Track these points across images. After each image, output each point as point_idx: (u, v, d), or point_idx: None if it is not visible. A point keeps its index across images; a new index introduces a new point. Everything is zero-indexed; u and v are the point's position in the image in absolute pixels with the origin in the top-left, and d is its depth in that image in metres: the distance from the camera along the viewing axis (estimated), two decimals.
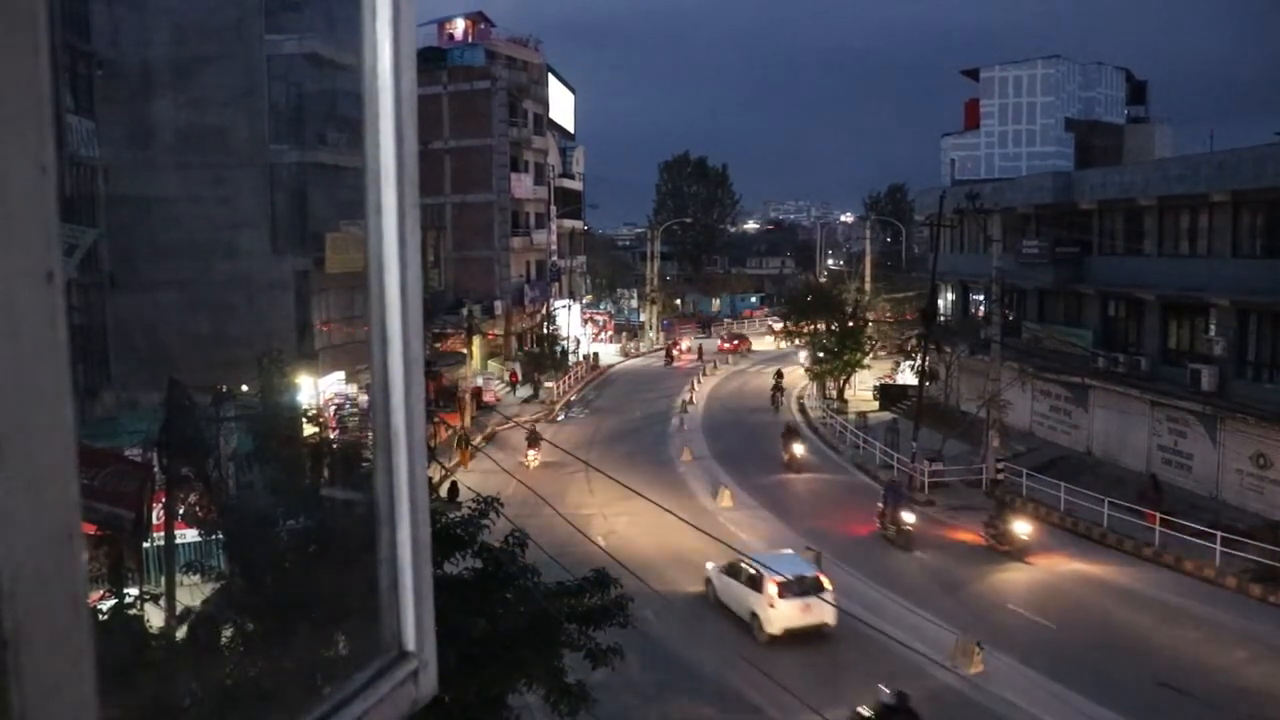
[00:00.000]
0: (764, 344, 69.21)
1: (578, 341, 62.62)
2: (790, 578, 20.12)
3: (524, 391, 49.47)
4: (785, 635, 19.64)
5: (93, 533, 14.09)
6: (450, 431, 33.47)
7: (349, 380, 29.94)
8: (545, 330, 58.88)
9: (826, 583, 20.45)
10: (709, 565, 21.96)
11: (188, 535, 15.54)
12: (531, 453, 34.09)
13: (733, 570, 21.17)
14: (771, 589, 19.82)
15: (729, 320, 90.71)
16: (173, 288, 25.65)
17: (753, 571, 20.23)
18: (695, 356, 64.54)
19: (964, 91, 76.63)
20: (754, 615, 20.28)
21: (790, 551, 22.92)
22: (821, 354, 46.90)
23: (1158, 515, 25.72)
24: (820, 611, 19.96)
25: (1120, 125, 74.13)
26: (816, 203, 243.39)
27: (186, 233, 26.64)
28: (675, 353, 67.51)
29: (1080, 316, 35.88)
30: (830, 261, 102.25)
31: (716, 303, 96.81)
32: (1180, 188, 30.24)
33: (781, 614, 19.79)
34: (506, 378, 50.08)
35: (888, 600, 21.95)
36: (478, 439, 36.43)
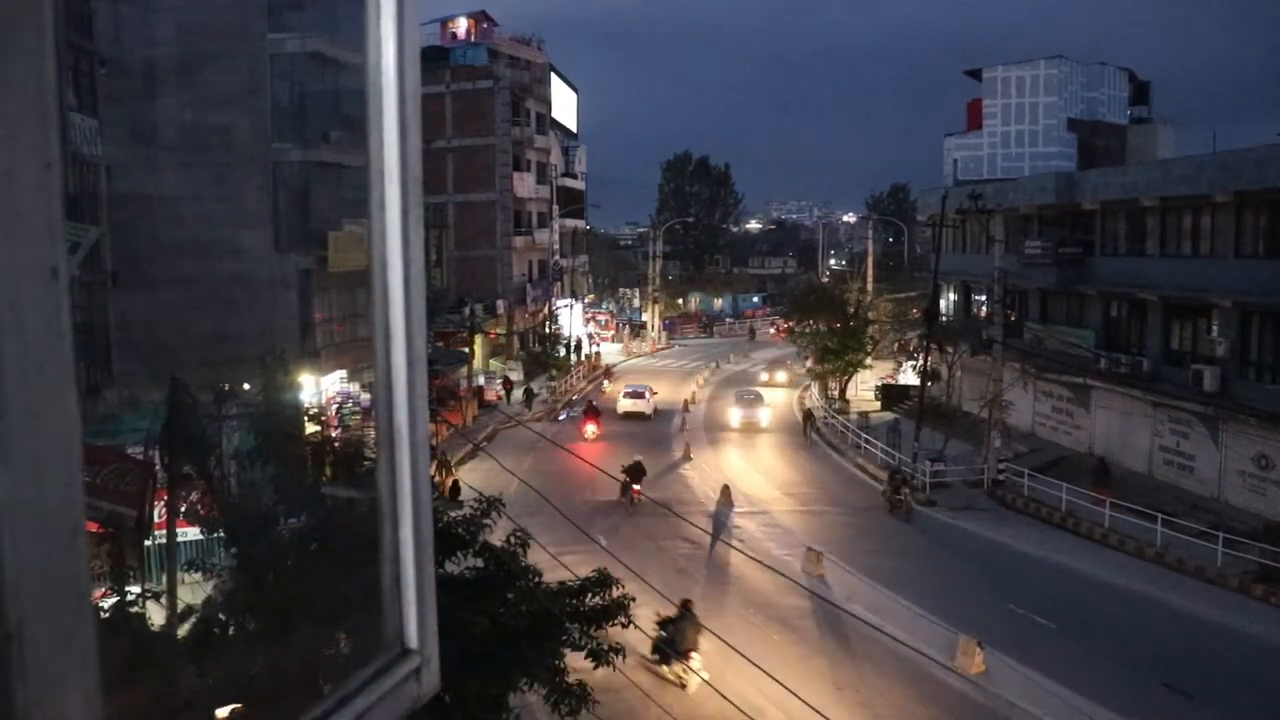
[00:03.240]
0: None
1: (579, 341, 62.56)
2: (631, 390, 45.22)
3: (518, 395, 46.83)
4: (625, 415, 43.23)
5: (95, 531, 14.11)
6: (451, 430, 33.47)
7: (351, 378, 29.96)
8: (548, 330, 58.83)
9: (649, 393, 44.77)
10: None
11: (189, 533, 15.56)
12: (607, 383, 54.56)
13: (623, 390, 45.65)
14: (622, 393, 45.26)
15: (731, 320, 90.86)
16: (175, 286, 25.67)
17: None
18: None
19: (966, 92, 76.50)
20: (617, 404, 43.64)
21: (646, 384, 46.43)
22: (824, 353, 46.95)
23: (1107, 498, 27.55)
24: (644, 405, 43.88)
25: (1123, 126, 73.97)
26: (819, 202, 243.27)
27: (189, 231, 26.68)
28: (774, 329, 78.50)
29: (1082, 317, 35.88)
30: (832, 261, 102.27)
31: (719, 302, 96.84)
32: (1183, 188, 30.22)
33: (623, 404, 43.96)
34: (500, 384, 47.29)
35: None
36: (480, 438, 36.39)
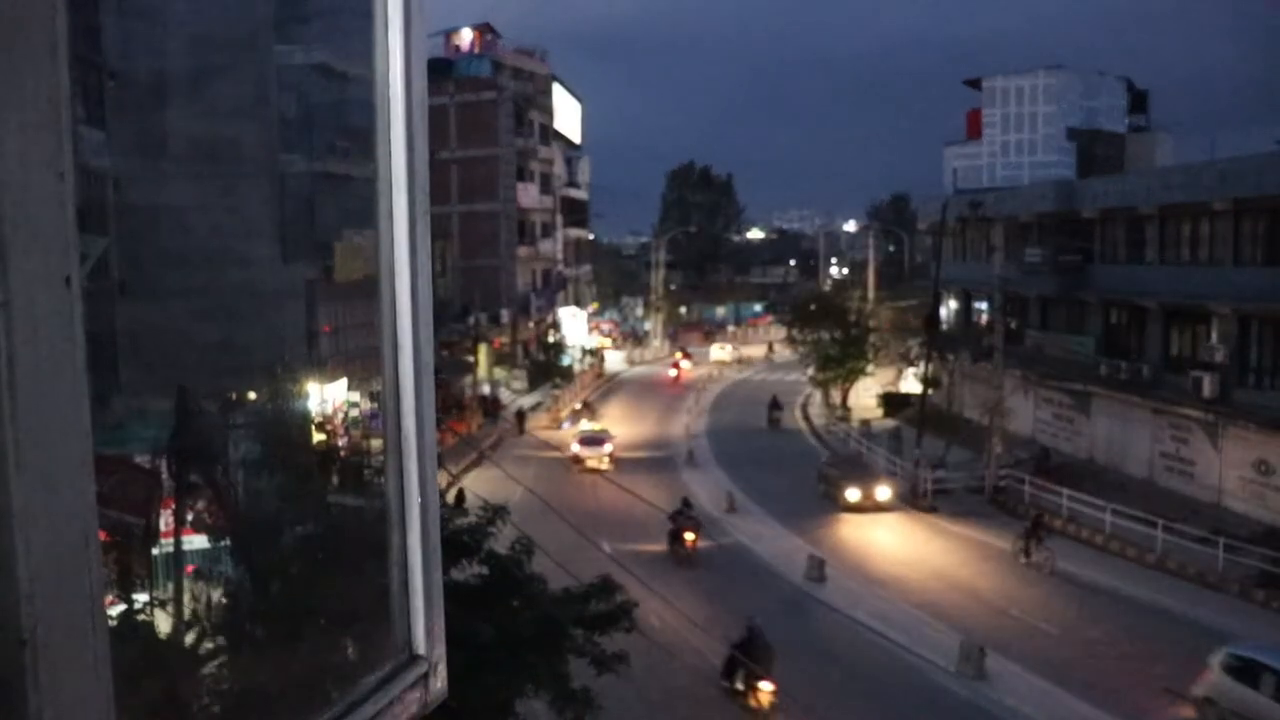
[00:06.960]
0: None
1: (595, 348, 62.62)
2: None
3: (509, 413, 43.86)
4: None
5: (104, 540, 14.09)
6: (456, 439, 33.38)
7: (358, 387, 29.90)
8: (551, 339, 58.81)
9: None
10: None
11: (196, 541, 15.57)
12: (678, 367, 61.35)
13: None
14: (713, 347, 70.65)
15: (734, 328, 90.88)
16: (183, 296, 25.56)
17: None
18: None
19: (966, 101, 76.44)
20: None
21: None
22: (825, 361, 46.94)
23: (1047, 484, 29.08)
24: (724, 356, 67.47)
25: (1122, 134, 73.87)
26: (820, 212, 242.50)
27: (196, 241, 26.57)
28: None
29: (1082, 324, 35.81)
30: (834, 270, 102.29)
31: (721, 311, 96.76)
32: (1182, 196, 30.19)
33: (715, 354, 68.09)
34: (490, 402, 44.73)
35: None
36: (485, 445, 36.26)
